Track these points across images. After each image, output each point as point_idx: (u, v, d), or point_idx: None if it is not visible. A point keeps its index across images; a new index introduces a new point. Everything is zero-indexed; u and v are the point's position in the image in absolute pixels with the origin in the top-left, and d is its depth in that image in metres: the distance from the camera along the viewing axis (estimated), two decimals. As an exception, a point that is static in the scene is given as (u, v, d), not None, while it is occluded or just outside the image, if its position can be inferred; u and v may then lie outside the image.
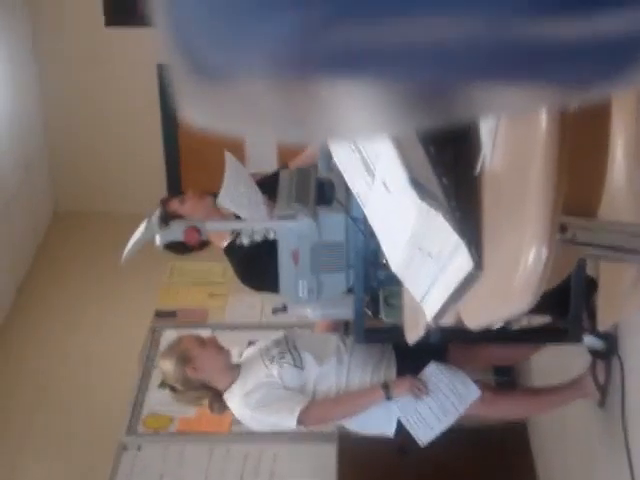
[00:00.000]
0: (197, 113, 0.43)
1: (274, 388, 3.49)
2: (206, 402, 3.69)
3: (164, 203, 3.78)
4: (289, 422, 3.44)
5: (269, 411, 3.47)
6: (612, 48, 0.39)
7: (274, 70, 0.38)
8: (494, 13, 0.37)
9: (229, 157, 3.52)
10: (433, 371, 3.43)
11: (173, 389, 3.64)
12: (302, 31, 0.37)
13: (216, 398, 3.60)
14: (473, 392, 3.45)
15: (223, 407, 3.61)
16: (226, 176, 3.41)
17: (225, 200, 3.39)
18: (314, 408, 3.47)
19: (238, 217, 3.77)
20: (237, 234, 3.72)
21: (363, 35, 0.38)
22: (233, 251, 3.67)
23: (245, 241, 3.44)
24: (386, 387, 3.45)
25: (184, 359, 3.52)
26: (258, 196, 3.48)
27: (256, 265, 3.54)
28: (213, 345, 3.62)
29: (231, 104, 0.41)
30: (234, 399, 3.53)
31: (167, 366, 3.59)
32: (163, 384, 3.75)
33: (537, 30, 0.38)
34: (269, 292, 3.66)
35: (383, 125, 0.47)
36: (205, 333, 5.78)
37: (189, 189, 3.83)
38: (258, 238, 3.30)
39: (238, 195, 3.41)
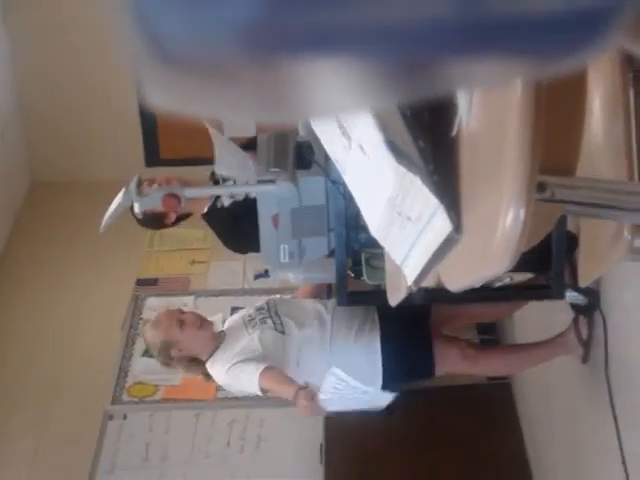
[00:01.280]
0: (164, 98, 0.42)
1: (253, 354, 3.49)
2: (199, 374, 3.71)
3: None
4: (253, 384, 3.42)
5: (239, 374, 3.47)
6: (582, 19, 0.38)
7: (242, 52, 0.37)
8: None
9: (212, 131, 3.48)
10: (332, 382, 3.15)
11: (165, 363, 3.66)
12: (270, 11, 0.36)
13: (207, 372, 3.62)
14: (385, 398, 3.26)
15: None
16: (216, 148, 3.37)
17: (221, 169, 3.36)
18: (269, 372, 3.41)
19: (216, 182, 3.75)
20: (217, 197, 3.70)
21: (332, 14, 0.36)
22: (214, 215, 3.65)
23: (226, 202, 3.42)
24: (303, 388, 3.30)
25: (167, 344, 3.54)
26: (245, 158, 3.45)
27: (238, 225, 3.52)
28: (193, 323, 3.60)
29: (199, 88, 0.40)
30: (215, 366, 3.54)
31: (153, 350, 3.63)
32: (147, 352, 3.75)
33: (507, 4, 0.37)
34: (253, 252, 3.63)
35: (358, 102, 0.47)
36: (188, 300, 5.82)
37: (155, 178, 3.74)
38: (239, 197, 3.29)
39: (230, 162, 3.38)
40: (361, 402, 3.29)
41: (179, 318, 3.61)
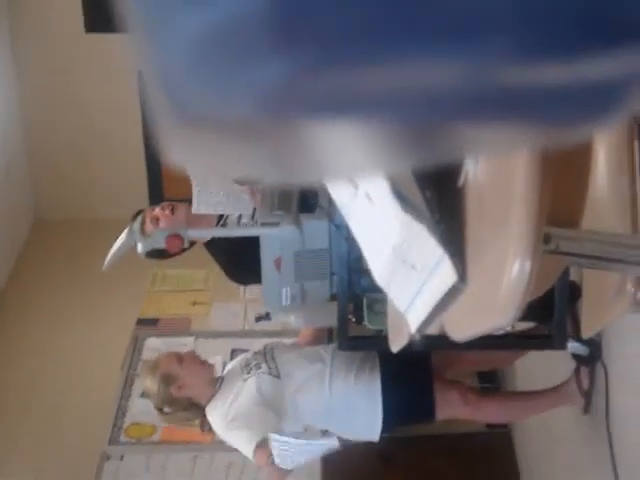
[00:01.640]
0: (181, 156, 0.42)
1: (252, 405, 3.47)
2: (197, 422, 3.68)
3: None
4: (247, 451, 3.43)
5: (235, 440, 3.47)
6: (594, 92, 0.39)
7: (266, 115, 0.38)
8: (479, 58, 0.36)
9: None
10: (277, 447, 3.25)
11: (162, 411, 3.63)
12: (288, 78, 0.37)
13: (206, 417, 3.59)
14: (332, 442, 3.35)
15: None
16: (193, 185, 3.39)
17: (199, 208, 3.37)
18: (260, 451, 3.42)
19: (221, 215, 3.76)
20: (222, 224, 3.71)
21: (349, 80, 0.37)
22: (216, 243, 3.65)
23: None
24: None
25: (167, 379, 3.51)
26: (234, 188, 3.45)
27: (241, 255, 3.51)
28: (192, 360, 3.60)
29: (220, 149, 0.41)
30: (213, 414, 3.52)
31: (152, 389, 3.57)
32: (145, 394, 3.72)
33: (521, 75, 0.37)
34: (254, 283, 3.62)
35: (370, 166, 0.47)
36: (188, 341, 5.80)
37: (160, 206, 3.78)
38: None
39: (212, 197, 3.39)
40: (315, 452, 3.45)
41: (177, 356, 3.61)
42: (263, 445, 3.32)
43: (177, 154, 0.42)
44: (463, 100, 0.38)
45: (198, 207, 3.36)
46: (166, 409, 3.59)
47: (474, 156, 1.10)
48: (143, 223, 3.36)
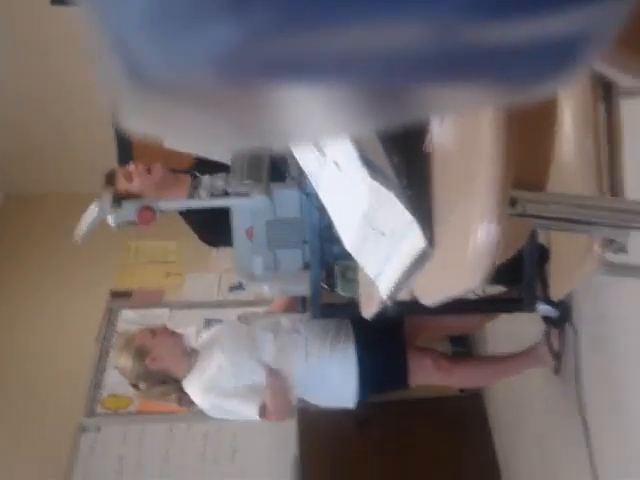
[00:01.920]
0: (140, 122, 0.42)
1: (232, 375, 3.48)
2: (173, 397, 3.67)
3: (110, 180, 3.72)
4: (250, 413, 3.45)
5: (229, 401, 3.47)
6: (553, 47, 0.39)
7: (220, 80, 0.38)
8: (439, 17, 0.37)
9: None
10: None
11: (137, 387, 3.62)
12: (244, 40, 0.37)
13: (183, 391, 3.59)
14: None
15: (191, 400, 3.60)
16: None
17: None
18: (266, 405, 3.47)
19: (195, 177, 3.74)
20: (194, 188, 3.69)
21: (308, 42, 0.37)
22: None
23: (203, 194, 3.42)
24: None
25: (141, 352, 3.51)
26: None
27: (213, 219, 3.49)
28: (164, 332, 3.60)
29: (176, 114, 0.41)
30: (192, 385, 3.52)
31: (126, 364, 3.55)
32: (120, 371, 3.70)
33: (481, 33, 0.38)
34: (226, 246, 3.61)
35: (335, 128, 0.47)
36: (162, 312, 5.81)
37: (131, 164, 3.74)
38: (217, 192, 3.29)
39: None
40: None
41: (150, 329, 3.60)
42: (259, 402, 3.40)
43: (133, 120, 0.42)
44: (425, 60, 0.39)
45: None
46: (142, 385, 3.58)
47: (438, 116, 1.11)
48: (114, 195, 3.31)
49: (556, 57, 0.40)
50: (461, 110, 0.88)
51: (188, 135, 0.44)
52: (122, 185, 3.63)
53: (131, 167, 3.67)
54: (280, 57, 0.37)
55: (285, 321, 3.71)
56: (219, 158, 3.71)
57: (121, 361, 3.60)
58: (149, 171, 3.66)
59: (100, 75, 0.41)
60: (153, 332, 3.57)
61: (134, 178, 3.64)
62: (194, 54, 0.37)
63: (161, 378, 3.57)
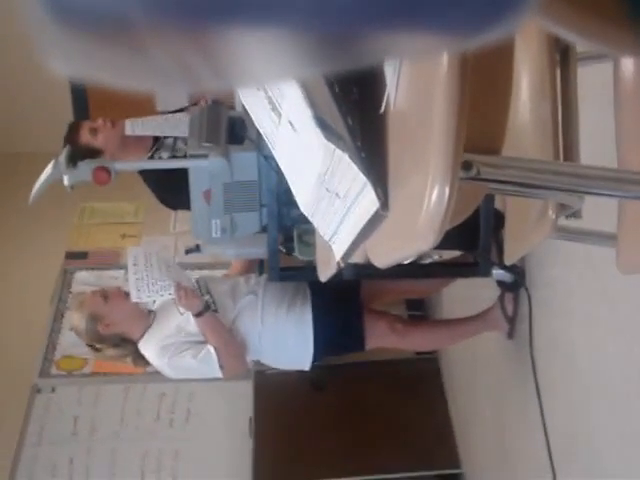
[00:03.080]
0: (68, 64, 0.41)
1: (190, 335, 3.48)
2: (129, 360, 3.67)
3: (71, 133, 3.68)
4: (210, 365, 3.44)
5: (184, 356, 3.46)
6: None
7: (156, 19, 0.36)
8: None
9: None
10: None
11: (93, 348, 3.62)
12: None
13: (138, 353, 3.58)
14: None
15: (147, 361, 3.59)
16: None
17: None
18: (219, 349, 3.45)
19: (156, 139, 3.72)
20: (155, 150, 3.67)
21: None
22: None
23: (165, 156, 3.40)
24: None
25: (93, 318, 3.49)
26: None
27: (173, 180, 3.47)
28: (118, 295, 3.58)
29: (104, 55, 0.39)
30: (149, 347, 3.52)
31: (80, 328, 3.54)
32: (74, 332, 3.69)
33: None
34: (184, 209, 3.59)
35: (279, 72, 0.47)
36: (118, 274, 5.78)
37: (99, 118, 3.72)
38: (179, 153, 3.27)
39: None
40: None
41: (102, 293, 3.58)
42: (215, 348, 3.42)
43: (61, 62, 0.40)
44: (366, 5, 0.38)
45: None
46: (97, 346, 3.59)
47: (392, 78, 1.10)
48: (69, 155, 3.27)
49: (495, 4, 0.39)
50: (408, 57, 0.87)
51: (121, 78, 0.42)
52: (85, 138, 3.60)
53: (98, 121, 3.65)
54: (223, 1, 0.36)
55: (242, 283, 3.71)
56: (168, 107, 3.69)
57: (75, 324, 3.59)
58: (113, 126, 3.64)
59: (24, 15, 0.39)
60: (105, 296, 3.54)
61: (99, 132, 3.62)
62: None
63: (116, 340, 3.56)
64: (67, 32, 0.37)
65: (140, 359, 3.59)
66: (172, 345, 3.46)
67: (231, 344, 3.48)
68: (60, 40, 0.38)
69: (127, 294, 3.58)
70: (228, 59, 0.41)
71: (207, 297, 3.50)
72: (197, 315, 3.39)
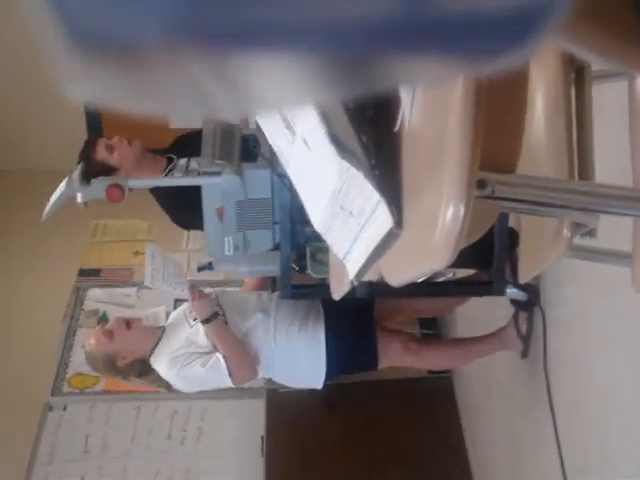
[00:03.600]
0: (84, 90, 0.40)
1: (199, 347, 3.48)
2: (157, 386, 3.68)
3: (87, 150, 3.70)
4: (219, 373, 3.43)
5: (194, 366, 3.45)
6: (514, 17, 0.39)
7: (169, 47, 0.36)
8: None
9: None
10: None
11: (123, 377, 3.66)
12: (196, 6, 0.35)
13: (161, 378, 3.59)
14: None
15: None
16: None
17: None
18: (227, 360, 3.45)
19: (170, 160, 3.73)
20: (169, 170, 3.68)
21: (263, 8, 0.36)
22: (162, 187, 3.61)
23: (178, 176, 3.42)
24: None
25: (109, 360, 3.52)
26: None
27: (185, 200, 3.49)
28: (120, 327, 3.59)
29: (122, 81, 0.39)
30: (159, 360, 3.52)
31: (102, 373, 3.66)
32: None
33: (449, 5, 0.37)
34: (197, 229, 3.62)
35: (300, 97, 0.46)
36: (131, 291, 5.78)
37: (115, 136, 3.74)
38: (192, 174, 3.29)
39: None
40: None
41: (104, 331, 3.58)
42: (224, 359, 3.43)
43: (75, 87, 0.40)
44: (386, 29, 0.38)
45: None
46: (123, 379, 3.65)
47: (407, 96, 1.10)
48: (83, 172, 3.27)
49: (518, 26, 0.39)
50: (428, 82, 0.87)
51: (136, 102, 0.42)
52: (101, 155, 3.61)
53: (115, 139, 3.67)
54: (233, 23, 0.36)
55: (254, 299, 3.71)
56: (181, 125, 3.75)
57: (97, 371, 3.66)
58: (129, 144, 3.67)
59: (39, 40, 0.38)
60: (110, 335, 3.55)
61: (115, 150, 3.63)
62: (144, 18, 0.35)
63: (138, 367, 3.58)
64: (83, 55, 0.37)
65: (161, 379, 3.60)
66: (182, 356, 3.46)
67: (240, 352, 3.47)
68: (76, 63, 0.37)
69: (127, 322, 3.60)
70: (244, 83, 0.40)
71: (217, 309, 3.51)
72: (206, 321, 3.40)
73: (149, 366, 3.57)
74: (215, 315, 3.41)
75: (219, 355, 3.42)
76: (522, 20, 0.39)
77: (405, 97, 1.19)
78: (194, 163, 3.67)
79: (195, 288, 3.39)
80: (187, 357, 3.46)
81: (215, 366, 3.42)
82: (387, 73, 0.41)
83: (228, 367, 3.42)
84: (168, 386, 3.62)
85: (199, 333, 3.48)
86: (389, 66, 0.40)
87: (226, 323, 3.51)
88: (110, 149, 3.63)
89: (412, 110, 1.18)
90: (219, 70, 0.38)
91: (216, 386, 3.72)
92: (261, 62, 0.38)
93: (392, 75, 0.42)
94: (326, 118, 1.24)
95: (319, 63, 0.39)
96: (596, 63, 1.69)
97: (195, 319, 3.54)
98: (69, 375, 5.36)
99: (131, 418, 5.12)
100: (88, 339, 3.66)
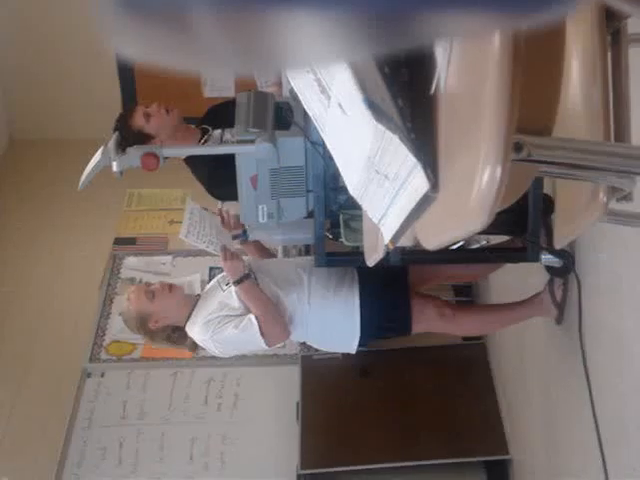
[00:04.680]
0: (133, 48, 0.41)
1: (232, 309, 3.50)
2: (186, 346, 3.72)
3: (128, 115, 3.72)
4: (251, 334, 3.45)
5: (227, 328, 3.48)
6: None
7: (211, 4, 0.37)
8: None
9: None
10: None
11: (150, 339, 3.70)
12: None
13: (193, 344, 3.63)
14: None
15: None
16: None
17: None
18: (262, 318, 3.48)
19: (205, 132, 3.75)
20: (205, 141, 3.70)
21: None
22: (197, 157, 3.63)
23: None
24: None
25: (142, 319, 3.56)
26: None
27: (220, 171, 3.50)
28: (162, 291, 3.62)
29: (168, 39, 0.40)
30: (194, 327, 3.55)
31: (134, 331, 3.68)
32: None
33: None
34: (232, 200, 3.63)
35: (336, 54, 0.47)
36: (166, 259, 5.83)
37: (153, 103, 3.76)
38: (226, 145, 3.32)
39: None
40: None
41: (146, 290, 3.61)
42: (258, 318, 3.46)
43: (128, 48, 0.41)
44: None
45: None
46: (152, 341, 3.69)
47: (444, 59, 1.10)
48: (118, 141, 3.28)
49: None
50: (463, 36, 0.87)
51: (185, 61, 0.43)
52: (138, 122, 3.64)
53: (153, 106, 3.69)
54: None
55: (288, 265, 3.73)
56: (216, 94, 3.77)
57: (128, 325, 3.71)
58: (167, 113, 3.69)
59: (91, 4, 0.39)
60: (150, 295, 3.58)
61: (152, 117, 3.65)
62: None
63: (168, 332, 3.63)
64: (129, 15, 0.38)
65: (194, 343, 3.64)
66: (215, 319, 3.48)
67: (272, 311, 3.48)
68: (121, 22, 0.38)
69: (171, 287, 3.63)
70: (280, 41, 0.41)
71: (248, 271, 3.53)
72: (238, 282, 3.42)
73: (182, 332, 3.60)
74: (247, 276, 3.44)
75: (251, 316, 3.44)
76: None
77: (440, 60, 1.19)
78: (228, 134, 3.68)
79: (227, 249, 3.43)
80: (220, 320, 3.48)
81: (248, 327, 3.44)
82: (421, 28, 0.41)
83: (260, 327, 3.44)
84: (190, 347, 3.68)
85: (232, 296, 3.50)
86: (423, 21, 0.41)
87: (258, 285, 3.53)
88: (147, 117, 3.65)
89: (448, 72, 1.18)
90: (256, 27, 0.39)
91: (250, 349, 3.74)
92: (297, 19, 0.38)
93: (426, 30, 0.42)
94: (362, 82, 1.24)
95: (353, 19, 0.39)
96: (633, 23, 1.68)
97: (227, 284, 3.57)
98: (106, 342, 5.43)
99: (168, 385, 5.18)
100: (130, 294, 3.70)
